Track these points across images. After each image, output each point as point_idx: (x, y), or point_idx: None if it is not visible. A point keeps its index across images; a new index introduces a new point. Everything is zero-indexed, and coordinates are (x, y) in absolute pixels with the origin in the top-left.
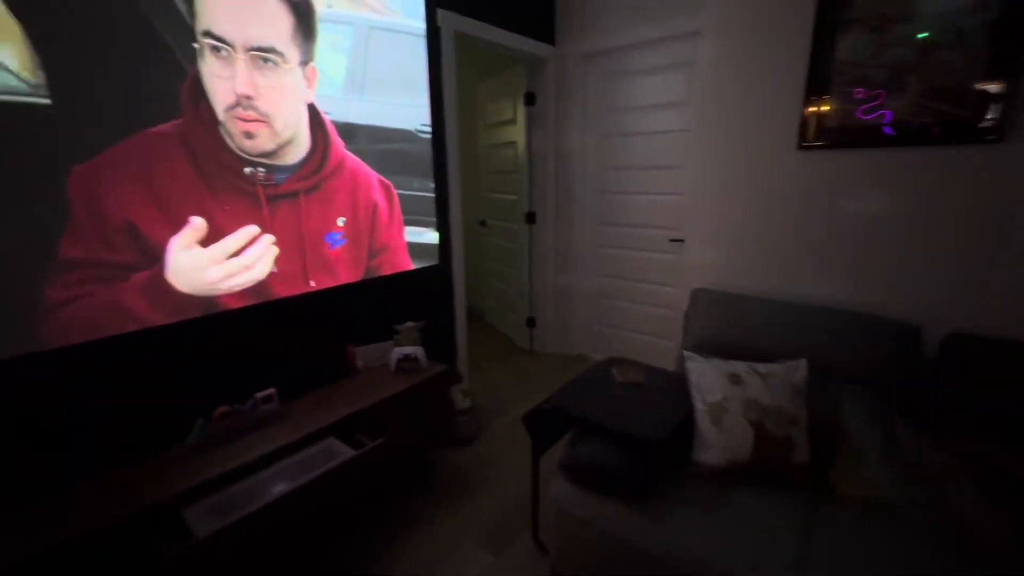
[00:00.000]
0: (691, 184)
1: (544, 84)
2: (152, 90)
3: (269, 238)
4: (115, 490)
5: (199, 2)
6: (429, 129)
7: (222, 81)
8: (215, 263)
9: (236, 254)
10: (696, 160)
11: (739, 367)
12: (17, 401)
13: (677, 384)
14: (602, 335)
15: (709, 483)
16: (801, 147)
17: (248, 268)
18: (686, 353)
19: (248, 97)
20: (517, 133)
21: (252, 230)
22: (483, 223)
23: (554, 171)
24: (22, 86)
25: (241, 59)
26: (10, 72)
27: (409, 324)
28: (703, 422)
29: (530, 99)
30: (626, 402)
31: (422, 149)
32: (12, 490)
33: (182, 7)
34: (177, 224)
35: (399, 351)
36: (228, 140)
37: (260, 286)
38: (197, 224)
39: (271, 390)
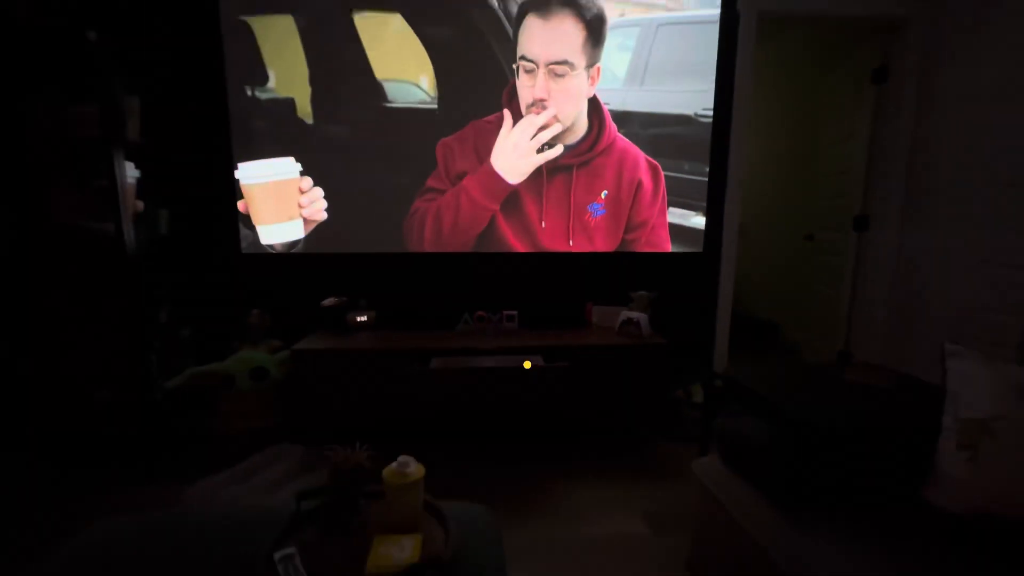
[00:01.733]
0: None
1: (903, 54)
2: (488, 95)
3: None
4: (414, 340)
5: (520, 35)
6: (710, 114)
7: (526, 89)
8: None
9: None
10: None
11: None
12: (386, 283)
13: (935, 396)
14: None
15: (929, 531)
16: None
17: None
18: (950, 347)
19: (542, 100)
20: (858, 121)
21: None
22: (810, 237)
23: (904, 162)
24: (428, 98)
25: (541, 72)
26: (424, 91)
27: (642, 292)
28: (946, 445)
29: (880, 75)
30: (824, 394)
31: (699, 133)
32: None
33: (513, 41)
34: None
35: (625, 314)
36: None
37: (532, 237)
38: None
39: (514, 312)
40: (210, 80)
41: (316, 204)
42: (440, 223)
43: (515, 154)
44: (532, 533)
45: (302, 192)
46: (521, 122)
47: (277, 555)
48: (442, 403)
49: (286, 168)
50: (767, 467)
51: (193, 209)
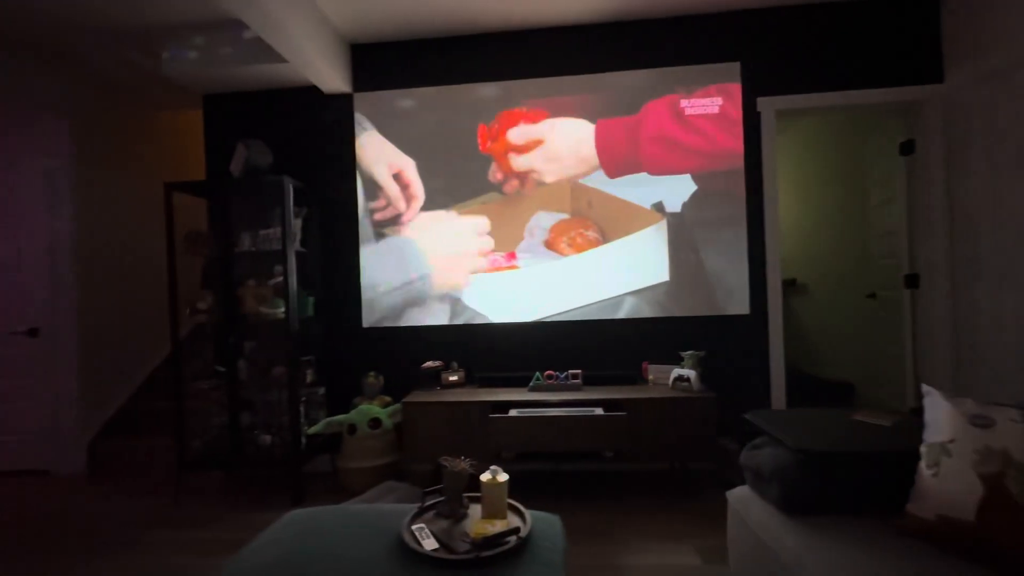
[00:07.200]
0: None
1: (926, 130)
2: None
3: None
4: (496, 394)
5: None
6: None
7: None
8: None
9: None
10: None
11: (1001, 412)
12: (473, 349)
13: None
14: None
15: (905, 537)
16: None
17: None
18: (924, 387)
19: None
20: (895, 187)
21: None
22: (872, 295)
23: (945, 224)
24: None
25: None
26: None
27: (691, 352)
28: (921, 466)
29: (907, 148)
30: (825, 429)
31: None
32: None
33: None
34: None
35: (676, 371)
36: None
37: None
38: None
39: (578, 371)
40: (345, 205)
41: None
42: None
43: None
44: (592, 557)
45: None
46: None
47: (413, 526)
48: (520, 445)
49: None
50: (772, 484)
51: (329, 296)
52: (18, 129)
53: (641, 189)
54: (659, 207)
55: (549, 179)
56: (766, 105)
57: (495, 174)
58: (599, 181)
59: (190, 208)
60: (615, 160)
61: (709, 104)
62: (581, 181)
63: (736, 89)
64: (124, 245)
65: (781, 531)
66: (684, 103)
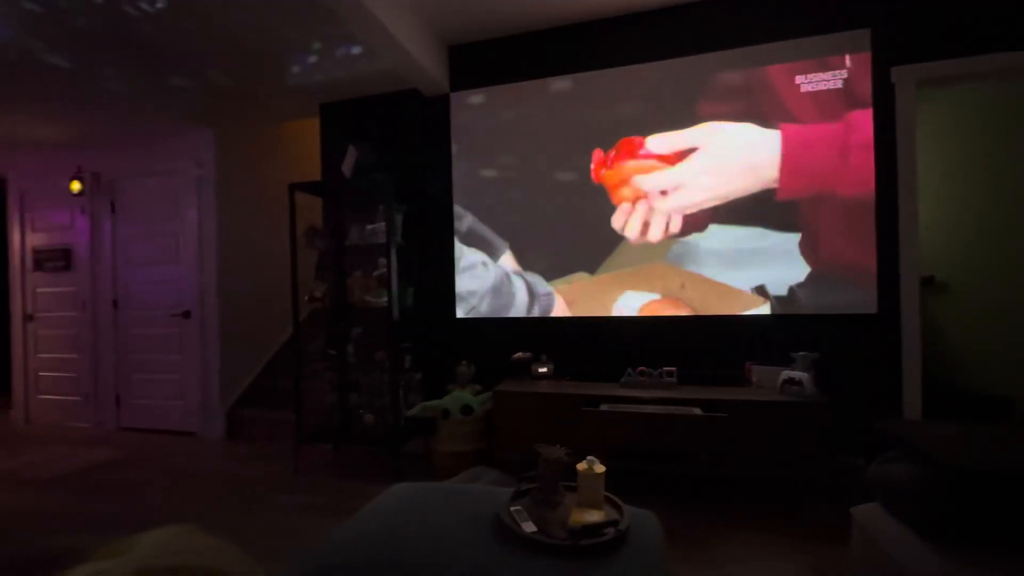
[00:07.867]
0: None
1: None
2: None
3: None
4: (585, 388)
5: None
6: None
7: None
8: None
9: None
10: None
11: None
12: (562, 342)
13: None
14: None
15: None
16: None
17: None
18: None
19: None
20: None
21: None
22: None
23: None
24: None
25: None
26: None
27: (803, 353)
28: None
29: None
30: (977, 442)
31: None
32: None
33: None
34: None
35: (786, 373)
36: None
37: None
38: None
39: (673, 368)
40: (442, 202)
41: None
42: None
43: None
44: (688, 566)
45: None
46: None
47: (512, 508)
48: (611, 440)
49: None
50: (914, 505)
51: (426, 287)
52: (176, 139)
53: (746, 272)
54: (761, 291)
55: (694, 198)
56: (903, 75)
57: (619, 218)
58: (741, 214)
59: (310, 206)
60: (807, 173)
61: (831, 79)
62: (732, 202)
63: (864, 59)
64: (254, 239)
65: (926, 559)
66: (800, 79)
